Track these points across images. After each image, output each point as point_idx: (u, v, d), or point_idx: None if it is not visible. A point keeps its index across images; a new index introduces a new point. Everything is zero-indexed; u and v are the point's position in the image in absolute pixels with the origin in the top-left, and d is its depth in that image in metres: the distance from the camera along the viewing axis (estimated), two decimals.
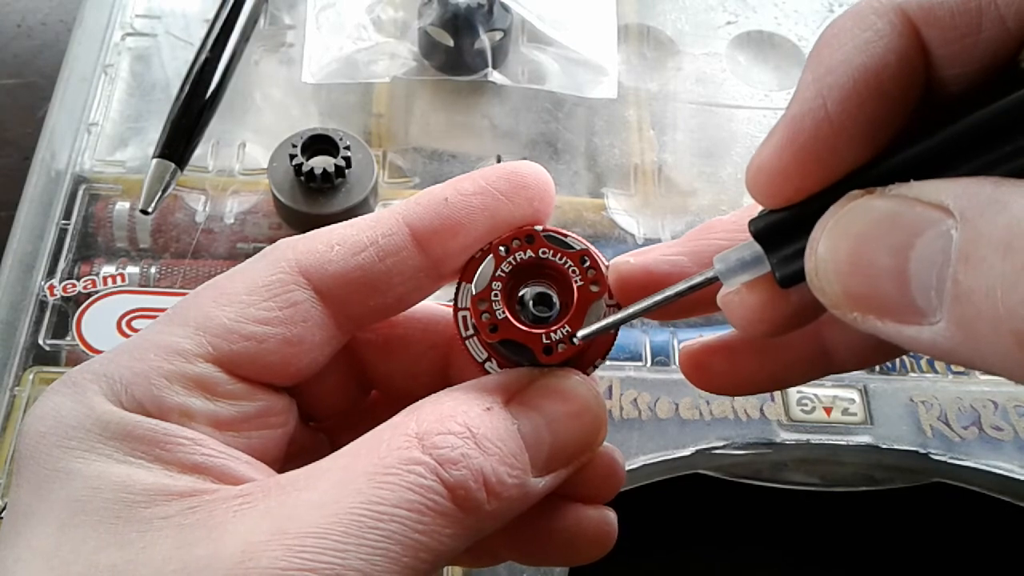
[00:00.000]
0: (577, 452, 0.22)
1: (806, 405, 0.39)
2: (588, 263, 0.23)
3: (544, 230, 0.23)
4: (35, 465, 0.21)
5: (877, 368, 0.40)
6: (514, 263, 0.23)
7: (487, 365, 0.23)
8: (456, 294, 0.24)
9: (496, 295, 0.23)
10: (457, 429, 0.20)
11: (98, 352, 0.38)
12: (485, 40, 0.47)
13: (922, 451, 0.38)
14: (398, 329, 0.26)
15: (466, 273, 0.24)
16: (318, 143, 0.42)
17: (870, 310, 0.17)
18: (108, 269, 0.41)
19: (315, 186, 0.41)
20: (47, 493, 0.20)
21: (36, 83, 0.52)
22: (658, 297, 0.22)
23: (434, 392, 0.23)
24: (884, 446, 0.38)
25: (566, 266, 0.23)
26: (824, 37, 0.18)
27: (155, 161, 0.41)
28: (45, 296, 0.40)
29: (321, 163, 0.41)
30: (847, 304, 0.17)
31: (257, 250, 0.41)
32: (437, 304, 0.27)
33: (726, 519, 0.39)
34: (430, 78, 0.48)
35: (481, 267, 0.23)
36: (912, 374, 0.40)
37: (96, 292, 0.40)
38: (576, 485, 0.24)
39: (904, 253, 0.16)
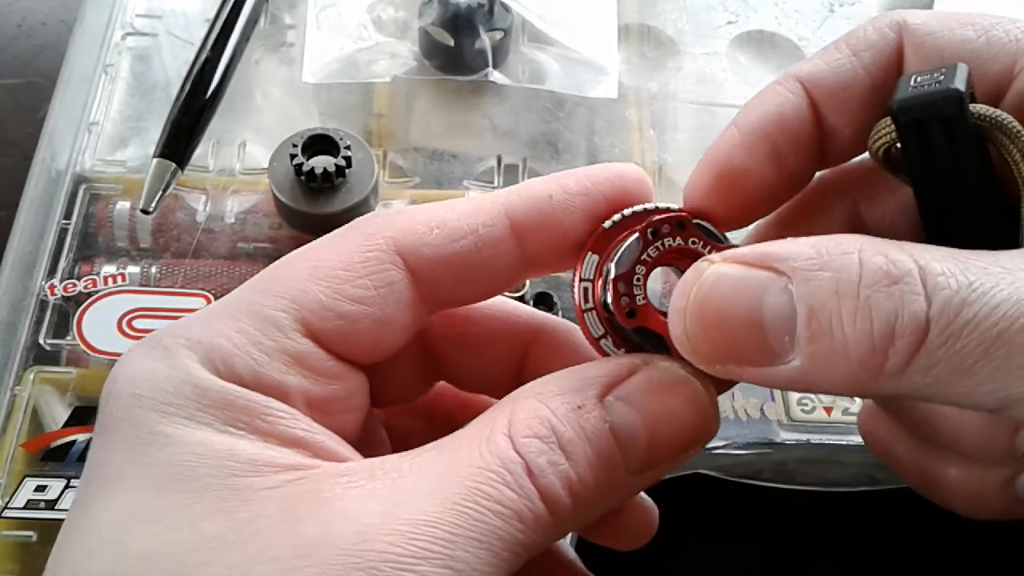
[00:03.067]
0: (678, 451, 0.22)
1: (806, 405, 0.39)
2: None
3: (693, 218, 0.23)
4: (129, 427, 0.20)
5: None
6: (662, 249, 0.22)
7: (603, 342, 0.23)
8: (578, 264, 0.23)
9: (639, 279, 0.22)
10: (543, 432, 0.20)
11: (99, 352, 0.38)
12: (485, 40, 0.47)
13: None
14: (476, 327, 0.26)
15: (594, 244, 0.23)
16: (318, 143, 0.42)
17: (733, 360, 0.20)
18: (109, 269, 0.41)
19: (315, 186, 0.41)
20: (144, 456, 0.20)
21: (37, 83, 0.52)
22: None
23: (505, 391, 0.24)
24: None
25: None
26: (744, 104, 0.24)
27: (156, 161, 0.41)
28: (46, 296, 0.40)
29: (321, 163, 0.41)
30: (714, 359, 0.20)
31: (258, 250, 0.42)
32: (518, 303, 0.27)
33: (726, 519, 0.39)
34: (430, 78, 0.48)
35: (624, 246, 0.22)
36: None
37: (97, 292, 0.40)
38: (606, 533, 0.25)
39: (758, 311, 0.19)
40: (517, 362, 0.26)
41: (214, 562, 0.18)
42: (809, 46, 0.51)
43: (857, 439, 0.38)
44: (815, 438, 0.38)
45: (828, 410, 0.39)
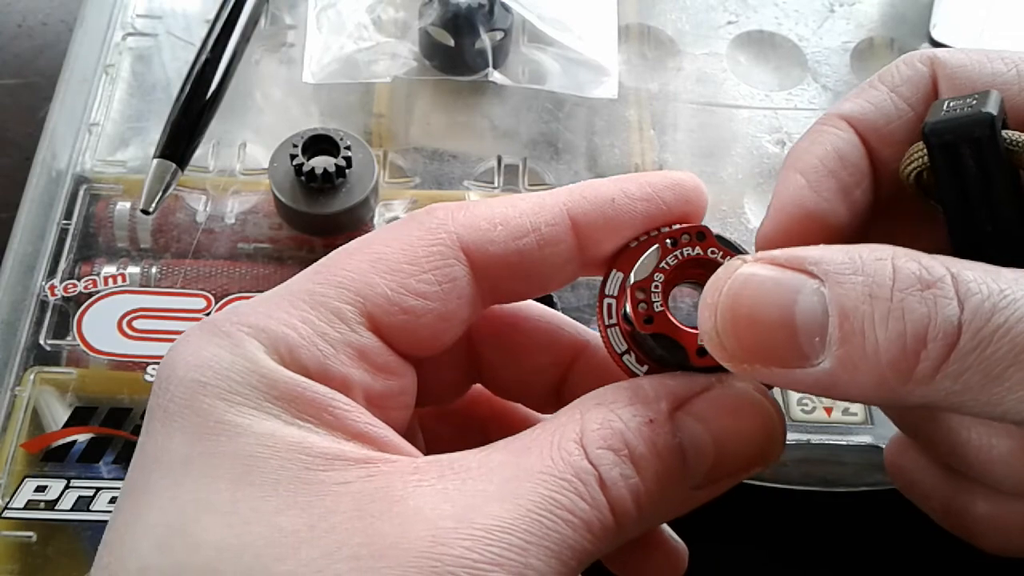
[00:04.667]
0: (742, 470, 0.22)
1: (806, 405, 0.39)
2: None
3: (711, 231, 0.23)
4: (193, 415, 0.20)
5: None
6: (680, 258, 0.23)
7: (625, 358, 0.23)
8: (604, 281, 0.23)
9: (657, 287, 0.22)
10: (616, 445, 0.20)
11: (99, 352, 0.38)
12: (486, 40, 0.47)
13: None
14: (523, 336, 0.26)
15: (620, 261, 0.23)
16: (319, 143, 0.42)
17: (761, 359, 0.20)
18: (109, 269, 0.41)
19: (316, 186, 0.41)
20: (212, 445, 0.19)
21: (37, 83, 0.52)
22: None
23: (542, 402, 0.25)
24: (884, 446, 0.38)
25: None
26: (792, 149, 0.24)
27: (156, 161, 0.41)
28: (46, 296, 0.40)
29: (322, 163, 0.41)
30: (742, 357, 0.20)
31: (258, 250, 0.42)
32: (566, 317, 0.27)
33: (726, 519, 0.39)
34: (431, 78, 0.48)
35: (644, 256, 0.23)
36: None
37: (97, 292, 0.40)
38: (636, 571, 0.25)
39: (790, 309, 0.19)
40: (559, 375, 0.26)
41: (290, 558, 0.18)
42: (809, 46, 0.51)
43: (857, 439, 0.38)
44: (815, 438, 0.38)
45: (828, 410, 0.39)
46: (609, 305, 0.23)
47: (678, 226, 0.23)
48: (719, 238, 0.23)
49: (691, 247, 0.23)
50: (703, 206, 0.24)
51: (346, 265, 0.22)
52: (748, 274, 0.20)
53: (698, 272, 0.23)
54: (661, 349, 0.22)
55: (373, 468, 0.20)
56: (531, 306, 0.26)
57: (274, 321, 0.21)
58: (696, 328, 0.22)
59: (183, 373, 0.20)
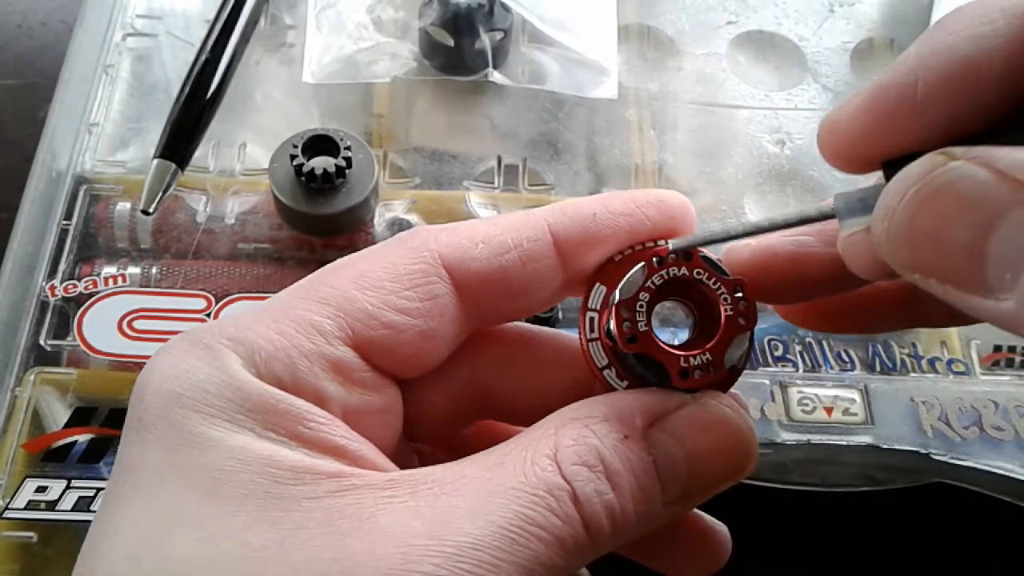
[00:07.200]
0: (714, 486, 0.22)
1: (806, 405, 0.39)
2: (742, 294, 0.22)
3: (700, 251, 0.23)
4: (167, 427, 0.20)
5: (877, 368, 0.40)
6: (666, 277, 0.22)
7: (605, 372, 0.23)
8: (587, 294, 0.23)
9: (642, 306, 0.22)
10: (591, 461, 0.20)
11: (99, 352, 0.38)
12: (485, 40, 0.47)
13: (923, 451, 0.38)
14: (537, 357, 0.25)
15: (603, 275, 0.23)
16: (319, 143, 0.42)
17: (935, 276, 0.17)
18: (109, 269, 0.41)
19: (316, 186, 0.41)
20: (184, 458, 0.19)
21: (37, 84, 0.52)
22: (764, 223, 0.21)
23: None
24: (885, 446, 0.38)
25: (719, 292, 0.22)
26: (941, 20, 0.18)
27: (156, 161, 0.41)
28: (46, 297, 0.40)
29: (322, 163, 0.41)
30: (912, 268, 0.17)
31: (258, 250, 0.42)
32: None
33: (726, 519, 0.39)
34: (431, 78, 0.48)
35: (630, 274, 0.22)
36: (912, 374, 0.40)
37: (97, 292, 0.40)
38: (668, 562, 0.25)
39: (985, 232, 0.16)
40: (581, 395, 0.25)
41: (258, 573, 0.18)
42: (809, 46, 0.51)
43: (857, 439, 0.38)
44: (815, 438, 0.38)
45: (828, 410, 0.39)
46: (591, 319, 0.23)
47: (663, 243, 0.23)
48: (706, 259, 0.23)
49: (677, 267, 0.22)
50: (690, 224, 0.24)
51: (328, 282, 0.22)
52: (953, 177, 0.16)
53: (682, 291, 0.23)
54: (643, 368, 0.22)
55: (345, 482, 0.20)
56: (543, 329, 0.26)
57: (253, 333, 0.21)
58: (679, 349, 0.22)
59: (159, 383, 0.21)
